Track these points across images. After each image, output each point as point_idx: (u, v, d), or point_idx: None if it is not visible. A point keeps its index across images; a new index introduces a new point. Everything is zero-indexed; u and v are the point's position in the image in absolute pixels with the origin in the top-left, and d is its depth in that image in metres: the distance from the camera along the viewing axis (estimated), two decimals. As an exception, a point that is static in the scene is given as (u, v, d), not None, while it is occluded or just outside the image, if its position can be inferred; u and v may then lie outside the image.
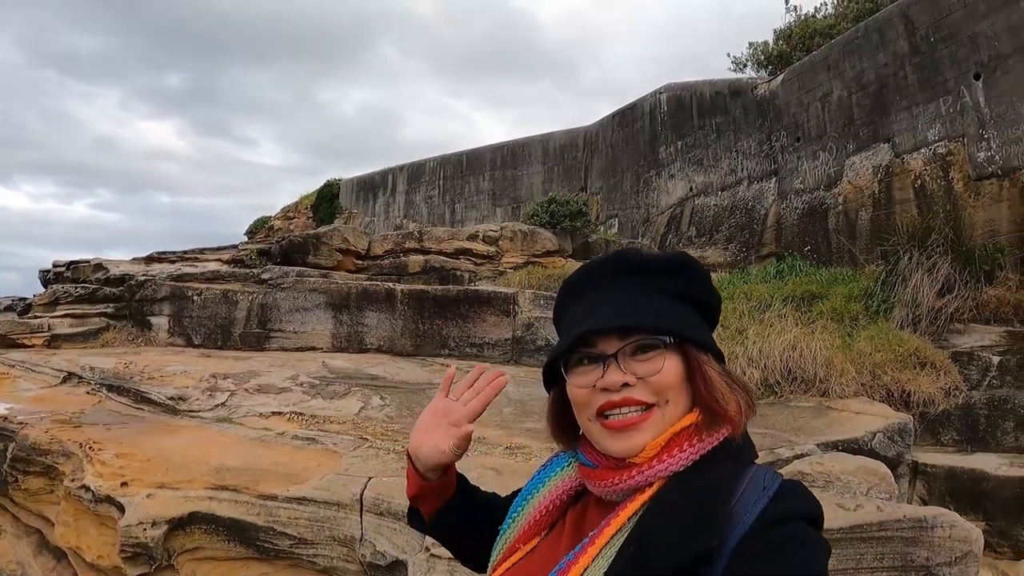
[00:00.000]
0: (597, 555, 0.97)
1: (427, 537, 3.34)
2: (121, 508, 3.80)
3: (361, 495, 3.83)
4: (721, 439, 1.04)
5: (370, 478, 4.05)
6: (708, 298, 1.15)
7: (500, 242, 10.94)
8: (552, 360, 1.11)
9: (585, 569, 0.96)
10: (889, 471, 4.60)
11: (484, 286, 9.39)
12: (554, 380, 1.15)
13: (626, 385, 1.02)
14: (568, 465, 1.18)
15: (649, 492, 1.00)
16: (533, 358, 7.88)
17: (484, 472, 4.21)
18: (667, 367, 1.03)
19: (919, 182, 8.70)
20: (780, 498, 0.95)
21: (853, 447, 4.99)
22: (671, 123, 14.17)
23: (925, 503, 5.31)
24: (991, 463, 5.44)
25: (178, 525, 3.78)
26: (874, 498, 4.16)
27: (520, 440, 5.10)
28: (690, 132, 13.61)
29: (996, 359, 6.27)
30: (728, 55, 15.32)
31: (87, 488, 4.04)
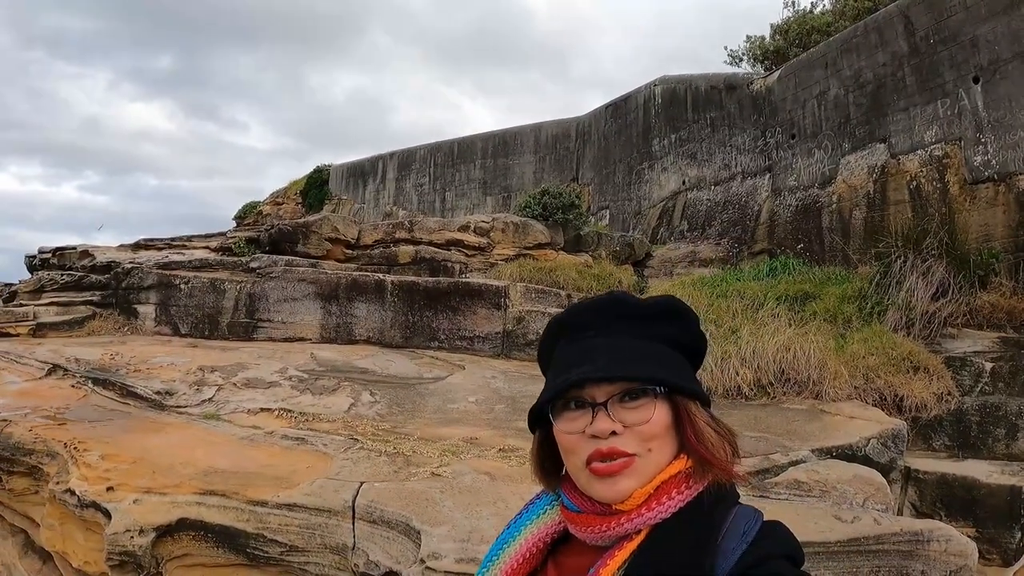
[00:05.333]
0: None
1: (421, 548, 3.28)
2: (107, 514, 3.71)
3: (353, 502, 3.75)
4: (706, 483, 1.04)
5: (362, 483, 3.98)
6: (696, 344, 1.16)
7: (492, 233, 10.83)
8: (540, 404, 1.10)
9: None
10: (884, 481, 4.59)
11: (475, 278, 9.31)
12: (539, 421, 1.15)
13: (613, 434, 1.02)
14: (550, 508, 1.16)
15: (637, 540, 1.01)
16: (524, 352, 7.83)
17: (478, 477, 4.16)
18: (656, 416, 1.03)
19: (914, 183, 8.68)
20: (758, 543, 0.99)
21: (847, 453, 4.98)
22: (665, 116, 14.10)
23: (916, 509, 5.32)
24: (982, 470, 5.46)
25: (166, 532, 3.68)
26: (870, 509, 4.15)
27: (513, 442, 5.05)
28: (684, 125, 13.55)
29: (989, 365, 6.27)
30: (725, 48, 15.34)
31: (72, 492, 3.94)
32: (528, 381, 6.81)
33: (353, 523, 3.68)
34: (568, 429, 1.06)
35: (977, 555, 3.84)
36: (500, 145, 18.82)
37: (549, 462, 1.16)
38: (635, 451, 1.02)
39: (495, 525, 3.46)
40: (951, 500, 5.27)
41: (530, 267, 9.77)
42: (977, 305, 7.02)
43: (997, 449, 5.90)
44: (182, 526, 3.71)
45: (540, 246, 10.95)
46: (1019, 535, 5.08)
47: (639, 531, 1.01)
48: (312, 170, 24.21)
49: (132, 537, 3.57)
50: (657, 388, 1.04)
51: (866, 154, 9.48)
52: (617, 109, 15.80)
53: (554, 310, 7.94)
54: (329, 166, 24.00)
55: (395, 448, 4.78)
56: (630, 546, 1.00)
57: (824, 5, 13.89)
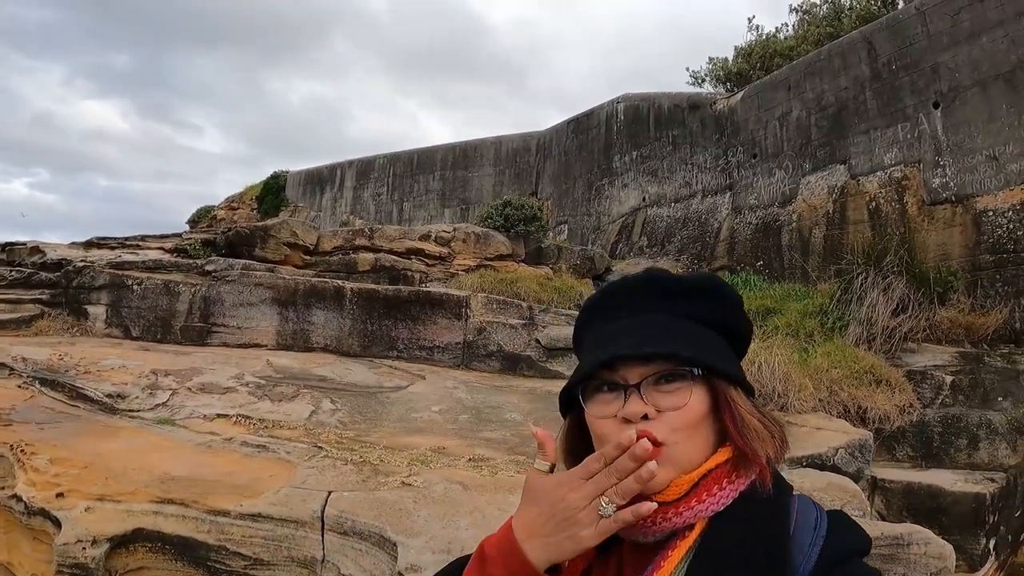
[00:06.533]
0: None
1: (399, 561, 3.14)
2: (57, 523, 3.46)
3: (322, 512, 3.57)
4: (755, 475, 0.99)
5: (330, 492, 3.80)
6: (739, 325, 1.10)
7: (453, 243, 10.71)
8: (571, 386, 1.05)
9: None
10: (858, 488, 4.61)
11: (436, 288, 9.18)
12: (571, 406, 1.10)
13: (645, 417, 0.96)
14: None
15: (692, 536, 0.95)
16: (485, 363, 7.76)
17: (451, 487, 4.03)
18: (692, 402, 0.97)
19: (873, 204, 8.84)
20: (833, 536, 0.95)
21: (817, 462, 5.03)
22: (627, 132, 14.18)
23: (883, 517, 5.37)
24: (946, 479, 5.59)
25: (120, 543, 3.44)
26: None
27: (482, 451, 4.94)
28: (646, 143, 13.64)
29: (949, 378, 6.42)
30: (687, 69, 15.49)
31: (19, 498, 3.67)
32: (490, 392, 6.72)
33: (323, 534, 3.50)
34: (600, 413, 1.00)
35: (955, 558, 3.87)
36: (460, 157, 18.72)
37: (579, 450, 1.07)
38: (663, 439, 0.94)
39: (475, 535, 3.34)
40: (917, 508, 5.37)
41: (491, 278, 9.67)
42: (936, 321, 7.16)
43: (959, 459, 6.04)
44: (138, 537, 3.48)
45: (501, 257, 10.87)
46: (984, 541, 5.20)
47: (691, 525, 0.95)
48: (269, 176, 23.80)
49: (84, 548, 3.32)
50: (694, 370, 0.98)
51: (826, 175, 9.64)
52: (579, 125, 15.85)
53: (515, 321, 7.87)
54: (286, 172, 23.62)
55: (361, 457, 4.62)
56: (685, 543, 0.94)
57: (788, 30, 14.17)
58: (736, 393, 1.01)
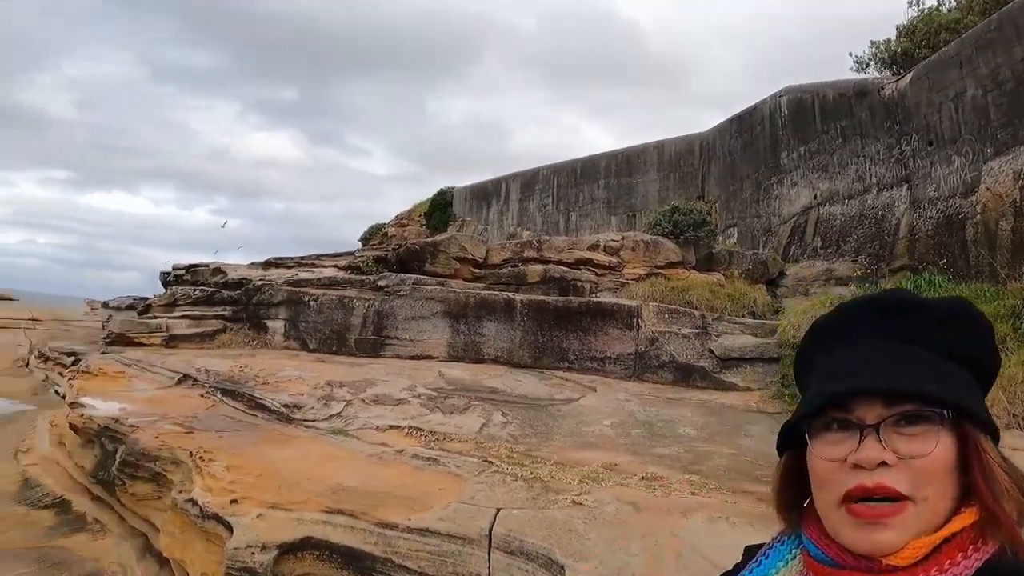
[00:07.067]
0: None
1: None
2: (229, 527, 3.49)
3: (490, 530, 3.35)
4: (1003, 541, 0.81)
5: (499, 510, 3.58)
6: (989, 360, 0.95)
7: (622, 252, 10.43)
8: (795, 421, 0.91)
9: None
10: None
11: (606, 298, 8.90)
12: (791, 441, 0.94)
13: (883, 465, 0.82)
14: (792, 558, 0.94)
15: None
16: (656, 374, 7.41)
17: (622, 507, 3.70)
18: (939, 450, 0.83)
19: (1068, 188, 7.59)
20: None
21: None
22: (792, 127, 13.26)
23: None
24: None
25: (289, 550, 3.43)
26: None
27: (654, 468, 4.60)
28: (813, 137, 12.68)
29: None
30: (849, 54, 14.21)
31: (195, 503, 3.77)
32: (663, 405, 6.36)
33: (489, 553, 3.28)
34: (826, 455, 0.86)
35: None
36: (623, 164, 18.33)
37: (796, 493, 0.93)
38: (908, 492, 0.81)
39: (646, 562, 3.07)
40: None
41: (662, 286, 9.32)
42: None
43: None
44: (306, 545, 3.46)
45: (671, 265, 10.48)
46: None
47: None
48: (436, 192, 24.46)
49: (253, 553, 3.34)
50: (944, 412, 0.83)
51: (1010, 159, 8.43)
52: (742, 123, 15.04)
53: (687, 331, 7.46)
54: (452, 188, 24.18)
55: (532, 472, 4.38)
56: None
57: (950, 1, 12.78)
58: (985, 441, 0.85)
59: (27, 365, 13.02)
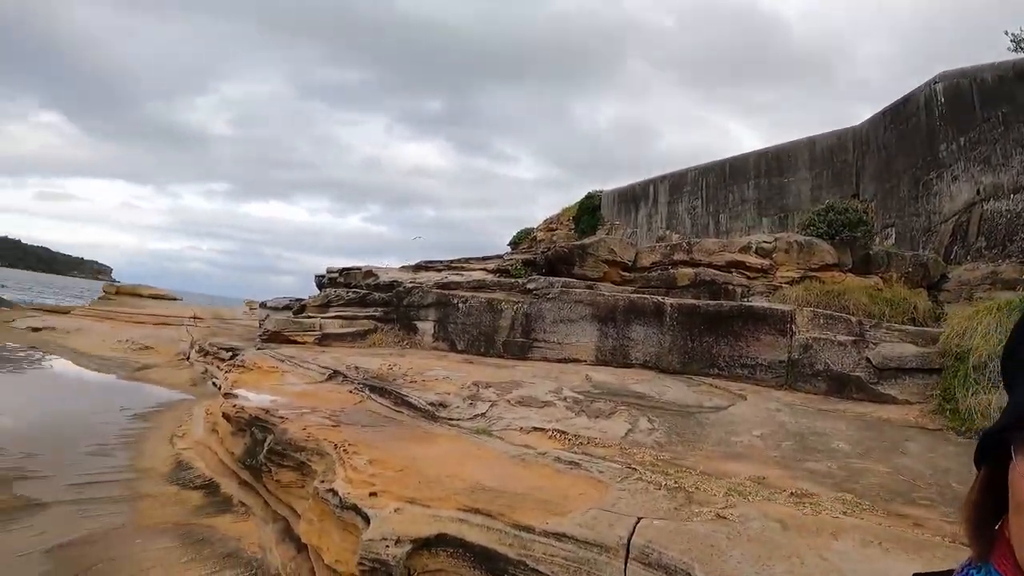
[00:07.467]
0: None
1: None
2: (367, 519, 3.54)
3: (629, 539, 3.17)
4: None
5: (639, 519, 3.39)
6: None
7: (774, 254, 9.94)
8: (997, 430, 0.80)
9: None
10: None
11: (758, 302, 8.46)
12: (991, 453, 0.83)
13: None
14: None
15: None
16: (809, 383, 6.95)
17: (768, 524, 3.41)
18: None
19: None
20: None
21: None
22: (949, 116, 12.07)
23: None
24: None
25: (423, 545, 3.42)
26: None
27: (804, 484, 4.25)
28: (972, 126, 11.48)
29: None
30: (1006, 33, 12.76)
31: (335, 493, 3.86)
32: (815, 416, 5.92)
33: (626, 563, 3.10)
34: None
35: None
36: (773, 162, 17.41)
37: (990, 510, 0.82)
38: None
39: None
40: None
41: (816, 290, 8.78)
42: None
43: None
44: (441, 542, 3.42)
45: (826, 267, 9.91)
46: None
47: None
48: (584, 196, 24.37)
49: (388, 546, 3.35)
50: None
51: None
52: (896, 114, 13.87)
53: (843, 338, 6.94)
54: (600, 192, 24.00)
55: (676, 482, 4.16)
56: None
57: None
58: None
59: (188, 359, 14.13)
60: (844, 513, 3.67)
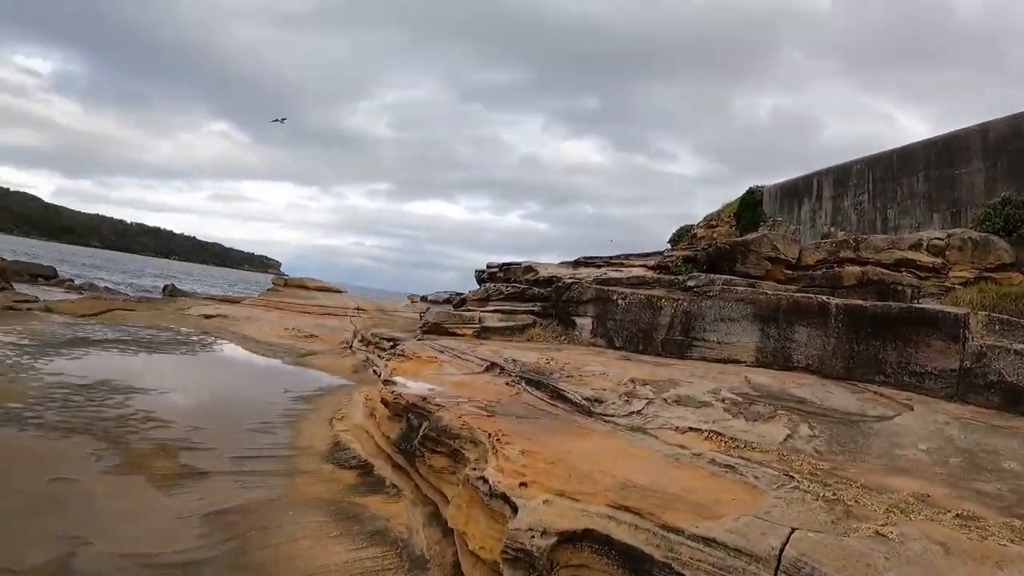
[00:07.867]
0: None
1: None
2: (515, 509, 3.64)
3: (781, 550, 3.08)
4: None
5: (793, 529, 3.27)
6: None
7: (947, 252, 9.23)
8: None
9: None
10: None
11: (929, 304, 7.83)
12: None
13: None
14: None
15: None
16: (981, 396, 6.31)
17: (929, 547, 3.19)
18: None
19: None
20: None
21: None
22: None
23: None
24: None
25: (568, 539, 3.46)
26: None
27: (971, 506, 3.91)
28: None
29: None
30: None
31: (485, 480, 3.99)
32: (987, 433, 5.44)
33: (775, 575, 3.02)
34: None
35: None
36: (942, 152, 15.77)
37: None
38: None
39: None
40: None
41: (992, 292, 8.09)
42: None
43: None
44: (586, 537, 3.46)
45: (1003, 267, 9.13)
46: None
47: None
48: (744, 192, 23.37)
49: (533, 537, 3.43)
50: None
51: None
52: None
53: (1021, 346, 6.27)
54: (762, 187, 22.93)
55: (834, 493, 3.98)
56: None
57: None
58: None
59: (351, 347, 14.81)
60: (1012, 540, 3.39)
